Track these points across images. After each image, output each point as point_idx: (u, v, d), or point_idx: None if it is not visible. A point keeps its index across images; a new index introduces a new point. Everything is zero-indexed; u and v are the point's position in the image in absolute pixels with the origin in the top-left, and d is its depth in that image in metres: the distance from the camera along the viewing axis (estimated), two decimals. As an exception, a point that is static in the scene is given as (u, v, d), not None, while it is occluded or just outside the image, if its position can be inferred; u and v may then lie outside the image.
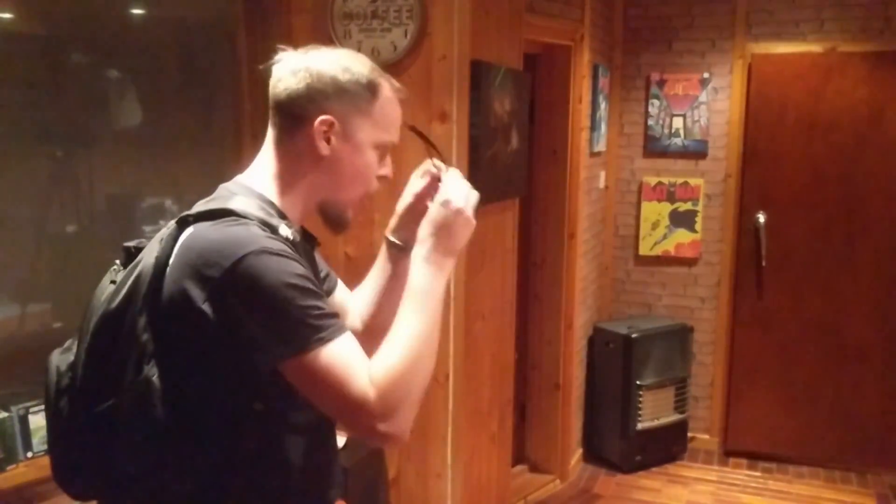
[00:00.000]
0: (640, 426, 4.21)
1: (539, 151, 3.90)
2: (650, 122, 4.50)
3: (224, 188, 1.26)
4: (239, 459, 1.19)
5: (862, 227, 4.20)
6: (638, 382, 4.17)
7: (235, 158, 2.70)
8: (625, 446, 4.24)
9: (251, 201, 1.21)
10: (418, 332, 1.18)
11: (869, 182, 4.17)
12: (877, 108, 4.11)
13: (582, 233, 4.06)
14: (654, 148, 4.52)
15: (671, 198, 4.47)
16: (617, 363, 4.22)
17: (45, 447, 2.07)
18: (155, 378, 1.14)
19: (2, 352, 2.26)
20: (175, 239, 1.16)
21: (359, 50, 2.52)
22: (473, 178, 2.52)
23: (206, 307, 1.10)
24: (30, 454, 2.06)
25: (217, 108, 2.80)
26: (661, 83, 4.44)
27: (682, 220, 4.46)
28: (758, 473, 4.30)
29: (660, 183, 4.47)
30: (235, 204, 1.19)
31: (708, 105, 4.38)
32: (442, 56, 2.44)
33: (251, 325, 1.09)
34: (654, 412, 4.26)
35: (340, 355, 1.11)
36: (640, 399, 4.19)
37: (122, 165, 2.57)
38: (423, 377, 1.18)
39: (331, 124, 1.23)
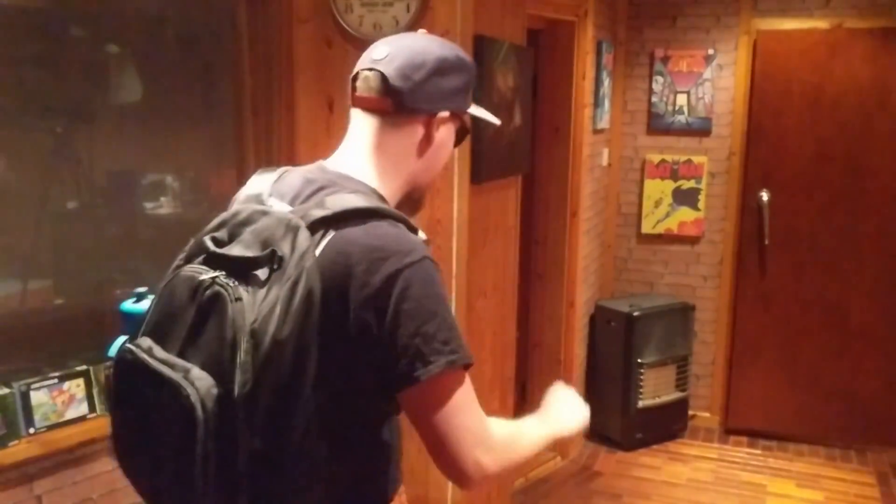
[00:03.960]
0: (641, 404, 4.22)
1: (542, 128, 3.87)
2: (654, 99, 4.47)
3: (330, 180, 1.22)
4: (369, 457, 1.23)
5: (866, 207, 4.18)
6: (639, 360, 4.17)
7: (237, 135, 2.68)
8: (626, 424, 4.25)
9: (372, 197, 1.20)
10: (535, 446, 1.28)
11: (874, 161, 4.14)
12: (883, 86, 4.08)
13: (584, 210, 4.04)
14: (657, 125, 4.49)
15: (674, 175, 4.45)
16: (618, 341, 4.22)
17: (47, 423, 2.08)
18: (318, 403, 1.08)
19: (3, 328, 2.26)
20: (314, 243, 1.10)
21: (360, 25, 2.50)
22: (476, 155, 2.51)
23: (370, 317, 1.09)
24: (31, 430, 2.06)
25: (217, 84, 2.78)
26: (666, 60, 4.41)
27: (685, 198, 4.44)
28: (758, 451, 4.31)
29: (663, 161, 4.45)
30: (370, 202, 1.16)
31: (712, 82, 4.35)
32: (445, 31, 2.40)
33: (409, 335, 1.09)
34: (655, 390, 4.27)
35: (469, 383, 1.17)
36: (642, 377, 4.19)
37: (122, 141, 2.55)
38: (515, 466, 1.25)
39: (448, 117, 1.27)
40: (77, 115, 2.39)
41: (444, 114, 1.26)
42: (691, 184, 4.42)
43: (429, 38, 1.30)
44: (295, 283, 1.05)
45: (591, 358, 4.46)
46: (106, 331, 2.20)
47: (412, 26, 2.43)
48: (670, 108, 4.42)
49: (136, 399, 1.14)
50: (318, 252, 1.09)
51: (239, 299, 1.06)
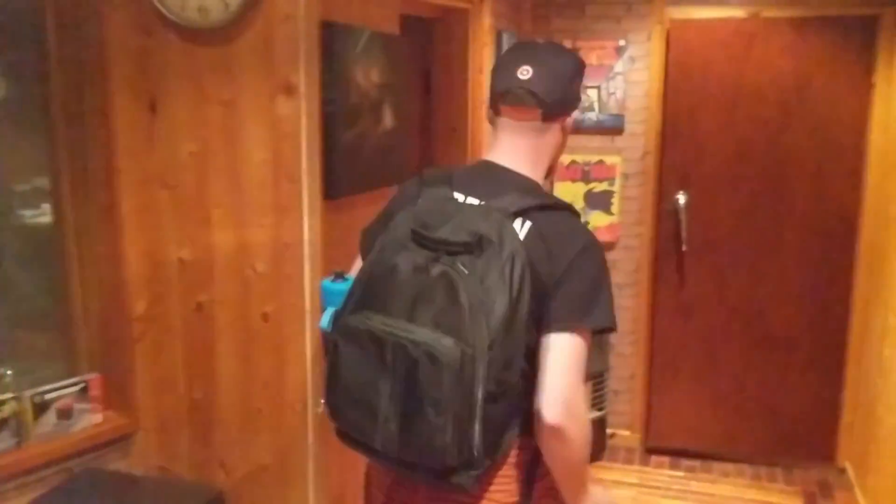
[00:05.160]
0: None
1: (437, 129, 3.47)
2: (563, 94, 4.11)
3: (502, 177, 1.51)
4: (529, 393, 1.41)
5: (788, 208, 3.90)
6: (551, 381, 3.81)
7: (48, 141, 2.21)
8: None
9: (539, 188, 1.53)
10: (585, 466, 1.48)
11: (795, 158, 3.86)
12: (803, 78, 3.80)
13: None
14: (567, 123, 4.13)
15: (586, 178, 4.09)
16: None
17: None
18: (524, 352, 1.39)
19: None
20: (514, 229, 1.39)
21: (182, 9, 2.04)
22: (330, 167, 2.08)
23: (556, 282, 1.39)
24: None
25: (23, 82, 2.29)
26: (574, 51, 4.04)
27: (597, 201, 4.09)
28: (681, 474, 4.01)
29: (573, 162, 4.09)
30: (548, 197, 1.50)
31: (624, 75, 4.01)
32: (285, 16, 1.98)
33: (576, 296, 1.40)
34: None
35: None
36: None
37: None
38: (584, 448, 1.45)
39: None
40: None
41: (575, 113, 1.57)
42: (604, 186, 4.08)
43: (557, 50, 1.61)
44: (513, 258, 1.34)
45: (501, 378, 4.09)
46: None
47: (246, 10, 1.99)
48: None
49: (361, 359, 1.37)
50: (521, 235, 1.40)
51: (464, 274, 1.32)
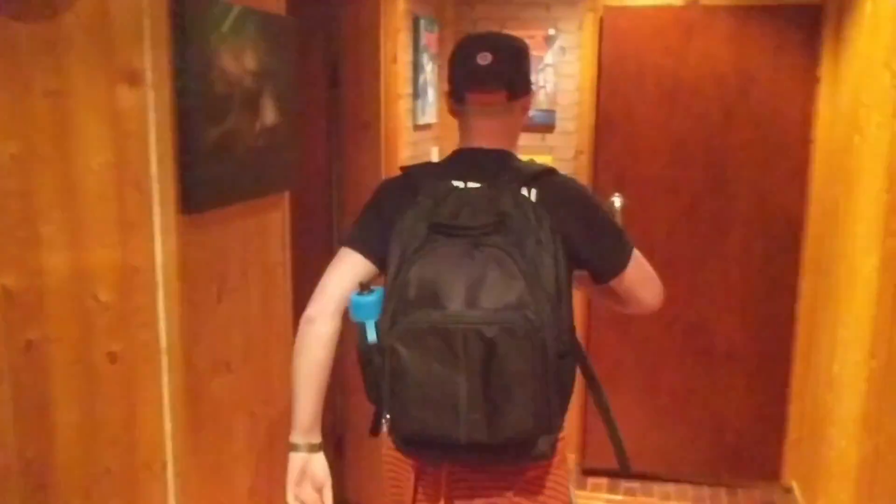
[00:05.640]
0: (482, 454, 3.52)
1: (346, 125, 3.10)
2: (489, 88, 3.78)
3: (492, 157, 1.60)
4: None
5: (730, 211, 3.64)
6: (478, 403, 3.47)
7: None
8: (465, 478, 3.54)
9: (522, 160, 1.66)
10: None
11: (737, 158, 3.60)
12: (745, 71, 3.53)
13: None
14: (494, 119, 3.80)
15: (515, 179, 3.76)
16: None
17: None
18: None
19: None
20: (529, 198, 1.53)
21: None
22: (186, 173, 1.69)
23: (572, 227, 1.54)
24: None
25: None
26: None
27: (528, 205, 3.77)
28: (619, 497, 3.72)
29: (501, 161, 3.75)
30: (539, 166, 1.61)
31: (555, 68, 3.69)
32: (126, -15, 1.57)
33: (599, 236, 1.61)
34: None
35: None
36: (482, 422, 3.49)
37: None
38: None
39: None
40: None
41: (533, 90, 1.70)
42: (535, 188, 3.75)
43: (506, 35, 1.68)
44: (541, 223, 1.48)
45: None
46: None
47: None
48: (508, 98, 3.74)
49: (429, 358, 1.42)
50: (534, 195, 1.54)
51: (509, 249, 1.44)
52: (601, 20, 3.62)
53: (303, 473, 1.62)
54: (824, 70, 3.44)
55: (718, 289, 3.69)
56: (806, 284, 3.58)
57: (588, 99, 3.68)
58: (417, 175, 1.60)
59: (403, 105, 3.21)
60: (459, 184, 1.55)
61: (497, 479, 1.56)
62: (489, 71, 1.55)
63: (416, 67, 3.33)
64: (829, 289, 3.29)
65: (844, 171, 3.12)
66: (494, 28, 3.69)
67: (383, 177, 3.11)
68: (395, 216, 1.53)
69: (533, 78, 3.48)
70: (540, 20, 3.69)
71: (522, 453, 1.48)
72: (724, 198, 3.63)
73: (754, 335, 3.69)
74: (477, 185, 1.54)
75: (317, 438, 1.63)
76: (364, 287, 1.54)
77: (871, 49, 2.85)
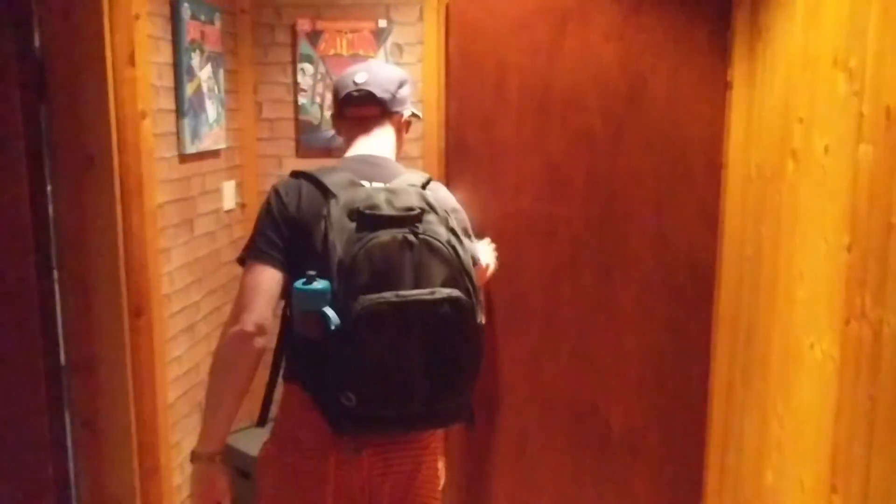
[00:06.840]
0: None
1: (60, 159, 2.06)
2: (302, 99, 2.80)
3: (383, 164, 1.76)
4: None
5: (622, 259, 2.79)
6: None
7: None
8: None
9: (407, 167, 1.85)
10: None
11: (629, 189, 2.75)
12: (636, 76, 2.69)
13: (169, 303, 2.29)
14: (310, 141, 2.83)
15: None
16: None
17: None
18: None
19: None
20: (429, 196, 1.67)
21: None
22: None
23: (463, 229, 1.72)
24: None
25: None
26: (315, 36, 2.75)
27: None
28: None
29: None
30: (424, 173, 1.80)
31: (388, 72, 2.74)
32: None
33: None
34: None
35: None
36: None
37: None
38: None
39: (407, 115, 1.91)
40: None
41: (407, 113, 1.87)
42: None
43: (387, 65, 1.94)
44: (448, 214, 1.65)
45: None
46: None
47: None
48: (327, 113, 2.78)
49: (384, 334, 1.52)
50: (432, 195, 1.67)
51: (435, 235, 1.59)
52: (447, 9, 2.71)
53: (211, 484, 1.63)
54: (736, 72, 2.63)
55: (610, 359, 2.83)
56: (720, 350, 2.76)
57: (433, 114, 2.76)
58: (317, 175, 1.66)
59: (154, 127, 2.20)
60: (366, 183, 1.67)
61: (407, 450, 1.69)
62: (364, 88, 1.79)
63: (180, 72, 2.31)
64: (752, 364, 2.46)
65: (772, 208, 2.30)
66: (304, 19, 2.73)
67: (119, 228, 2.09)
68: (308, 215, 1.61)
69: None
70: (367, 9, 2.75)
71: (457, 416, 1.65)
72: (614, 240, 2.77)
73: (658, 418, 2.85)
74: (381, 185, 1.67)
75: (222, 448, 1.65)
76: (311, 277, 1.54)
77: (808, 42, 2.03)
